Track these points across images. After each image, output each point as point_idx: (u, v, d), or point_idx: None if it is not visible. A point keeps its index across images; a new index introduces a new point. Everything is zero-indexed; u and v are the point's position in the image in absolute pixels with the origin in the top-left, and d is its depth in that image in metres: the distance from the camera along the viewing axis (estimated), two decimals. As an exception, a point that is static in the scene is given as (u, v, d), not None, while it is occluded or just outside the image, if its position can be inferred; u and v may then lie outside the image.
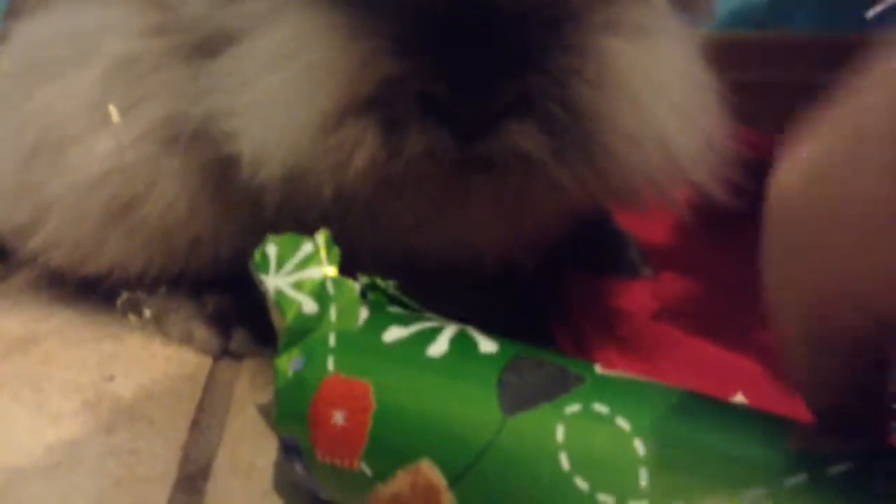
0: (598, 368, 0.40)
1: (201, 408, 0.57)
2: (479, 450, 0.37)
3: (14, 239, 0.66)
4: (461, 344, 0.42)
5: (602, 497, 0.34)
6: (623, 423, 0.36)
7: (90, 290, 0.67)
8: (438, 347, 0.41)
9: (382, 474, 0.39)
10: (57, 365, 0.63)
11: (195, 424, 0.56)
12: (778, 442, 0.34)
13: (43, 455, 0.53)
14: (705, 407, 0.37)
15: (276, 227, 0.47)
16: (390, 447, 0.40)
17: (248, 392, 0.59)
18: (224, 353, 0.64)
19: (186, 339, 0.65)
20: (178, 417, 0.56)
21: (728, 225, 0.79)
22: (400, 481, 0.39)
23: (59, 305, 0.70)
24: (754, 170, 0.75)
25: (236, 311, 0.64)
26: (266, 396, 0.57)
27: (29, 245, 0.64)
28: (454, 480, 0.37)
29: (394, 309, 0.46)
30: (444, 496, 0.38)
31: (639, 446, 0.35)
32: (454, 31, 0.45)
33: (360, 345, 0.43)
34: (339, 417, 0.41)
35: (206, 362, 0.63)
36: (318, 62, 0.47)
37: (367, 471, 0.40)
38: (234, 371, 0.62)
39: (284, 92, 0.47)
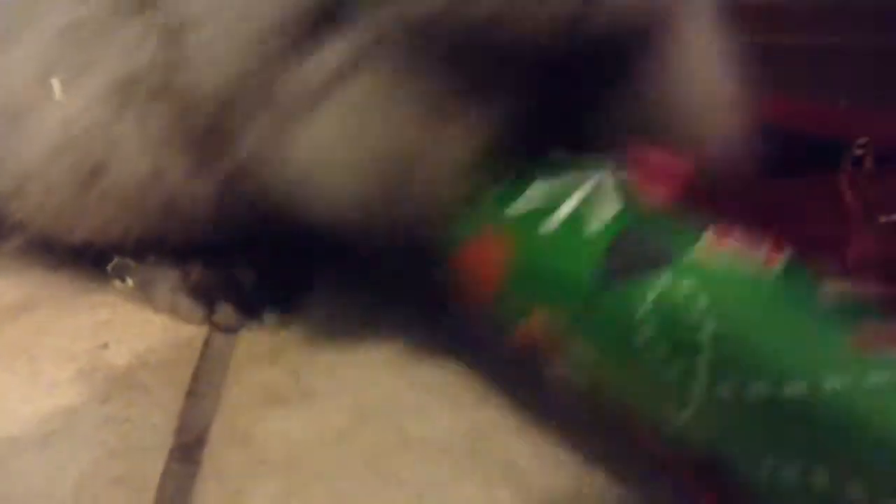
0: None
1: (197, 376, 0.57)
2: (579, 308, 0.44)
3: None
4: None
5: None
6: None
7: (82, 258, 0.66)
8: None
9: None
10: (50, 333, 0.62)
11: (191, 393, 0.55)
12: None
13: (37, 425, 0.52)
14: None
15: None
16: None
17: (244, 360, 0.58)
18: (210, 325, 0.63)
19: (171, 310, 0.64)
20: (174, 386, 0.55)
21: (746, 191, 0.78)
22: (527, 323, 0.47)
23: (51, 273, 0.69)
24: (781, 136, 0.75)
25: (221, 283, 0.63)
26: (262, 365, 0.56)
27: (13, 213, 0.64)
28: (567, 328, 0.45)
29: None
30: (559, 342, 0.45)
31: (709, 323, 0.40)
32: None
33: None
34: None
35: (203, 330, 0.62)
36: None
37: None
38: (231, 339, 0.61)
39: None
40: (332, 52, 0.50)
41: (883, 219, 0.61)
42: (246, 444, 0.50)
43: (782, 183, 0.74)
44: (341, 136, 0.50)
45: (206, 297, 0.63)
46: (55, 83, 0.60)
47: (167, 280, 0.65)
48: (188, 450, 0.50)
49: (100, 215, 0.61)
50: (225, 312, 0.62)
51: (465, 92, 0.49)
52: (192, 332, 0.62)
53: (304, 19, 0.51)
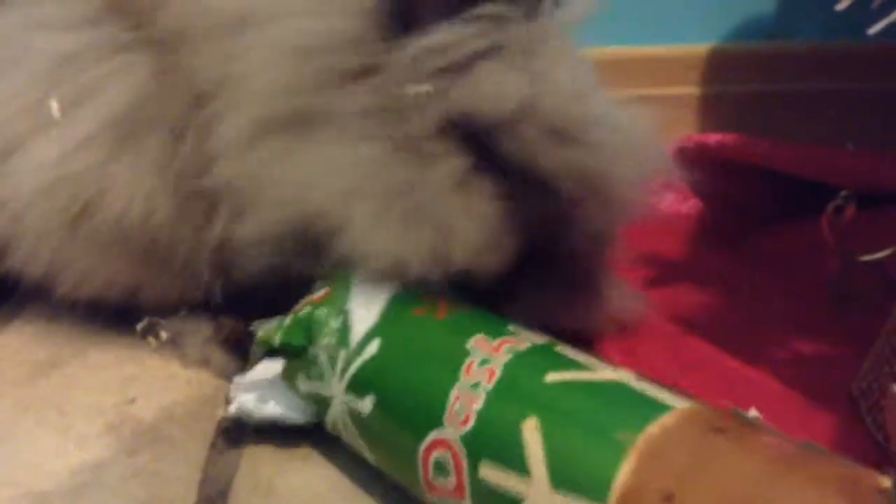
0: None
1: (220, 428, 0.58)
2: None
3: None
4: None
5: None
6: None
7: (109, 314, 0.68)
8: None
9: None
10: (79, 388, 0.64)
11: (214, 446, 0.57)
12: None
13: (68, 477, 0.54)
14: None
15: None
16: None
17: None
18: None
19: (204, 363, 0.65)
20: (198, 439, 0.57)
21: (742, 236, 0.80)
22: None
23: (78, 330, 0.71)
24: (763, 180, 0.77)
25: (252, 335, 0.65)
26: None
27: (7, 261, 0.64)
28: None
29: None
30: None
31: None
32: None
33: None
34: None
35: (225, 383, 0.63)
36: None
37: None
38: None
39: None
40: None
41: (864, 258, 0.64)
42: (268, 496, 0.52)
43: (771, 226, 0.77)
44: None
45: (238, 347, 0.65)
46: (53, 104, 0.59)
47: (199, 333, 0.66)
48: (213, 501, 0.52)
49: (87, 259, 0.62)
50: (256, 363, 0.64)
51: None
52: (215, 387, 0.63)
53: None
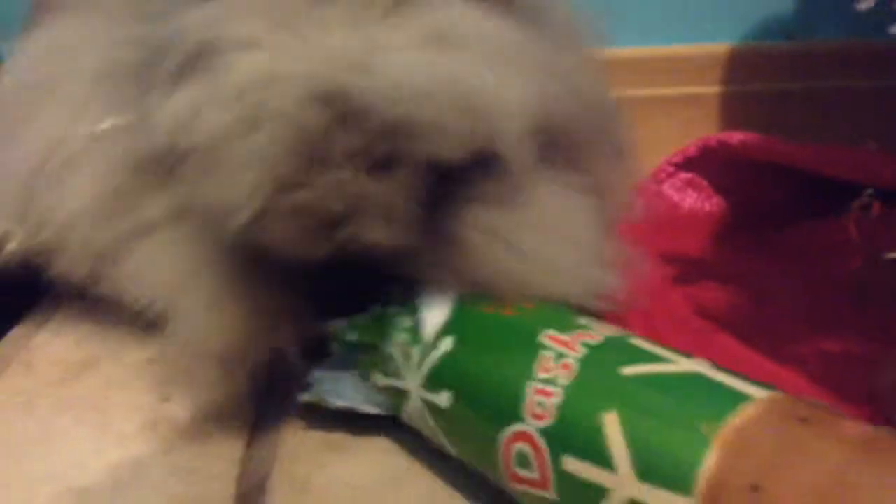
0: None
1: (256, 425, 0.59)
2: None
3: (39, 261, 0.65)
4: None
5: None
6: None
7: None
8: None
9: None
10: (116, 387, 0.65)
11: (251, 442, 0.58)
12: None
13: (108, 474, 0.55)
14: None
15: None
16: None
17: (301, 408, 0.60)
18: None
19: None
20: (234, 435, 0.58)
21: (765, 233, 0.80)
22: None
23: (113, 329, 0.72)
24: (786, 179, 0.77)
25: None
26: (319, 413, 0.59)
27: (52, 269, 0.65)
28: None
29: None
30: None
31: None
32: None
33: None
34: None
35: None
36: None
37: None
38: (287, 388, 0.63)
39: None
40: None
41: (889, 255, 0.64)
42: (305, 491, 0.53)
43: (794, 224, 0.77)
44: None
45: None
46: (103, 117, 0.61)
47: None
48: (250, 497, 0.53)
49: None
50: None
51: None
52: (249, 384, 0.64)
53: None
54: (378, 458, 0.55)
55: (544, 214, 0.54)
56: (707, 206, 0.85)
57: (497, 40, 0.50)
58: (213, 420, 0.60)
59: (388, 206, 0.49)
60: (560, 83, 0.54)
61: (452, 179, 0.51)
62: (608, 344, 0.46)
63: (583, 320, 0.50)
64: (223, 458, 0.56)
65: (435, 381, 0.51)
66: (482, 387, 0.48)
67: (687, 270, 0.75)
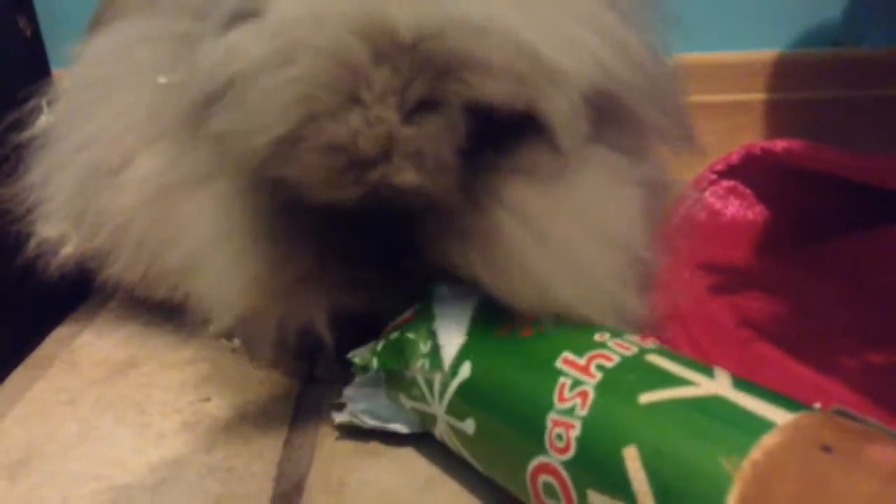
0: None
1: (293, 427, 0.60)
2: None
3: (93, 264, 0.66)
4: None
5: None
6: None
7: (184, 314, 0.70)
8: None
9: None
10: (157, 387, 0.66)
11: (288, 443, 0.58)
12: None
13: (148, 473, 0.56)
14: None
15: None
16: None
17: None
18: (310, 379, 0.66)
19: (275, 365, 0.67)
20: (272, 437, 0.59)
21: (809, 243, 0.79)
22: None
23: (155, 329, 0.74)
24: (831, 188, 0.76)
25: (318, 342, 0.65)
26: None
27: (106, 271, 0.65)
28: None
29: None
30: None
31: None
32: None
33: None
34: None
35: (297, 383, 0.65)
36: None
37: None
38: (324, 392, 0.64)
39: None
40: None
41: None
42: (340, 492, 0.53)
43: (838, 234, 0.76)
44: None
45: (307, 351, 0.65)
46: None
47: (269, 339, 0.67)
48: (287, 497, 0.53)
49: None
50: (324, 367, 0.65)
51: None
52: (287, 386, 0.65)
53: None
54: (409, 463, 0.55)
55: (585, 202, 0.51)
56: (750, 215, 0.84)
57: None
58: (251, 421, 0.60)
59: (422, 150, 0.47)
60: (625, 55, 0.51)
61: (494, 140, 0.49)
62: (624, 365, 0.45)
63: (597, 336, 0.48)
64: (262, 458, 0.57)
65: (457, 408, 0.50)
66: (504, 416, 0.47)
67: (729, 279, 0.74)
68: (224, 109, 0.49)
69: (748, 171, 0.82)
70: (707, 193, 0.83)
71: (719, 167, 0.83)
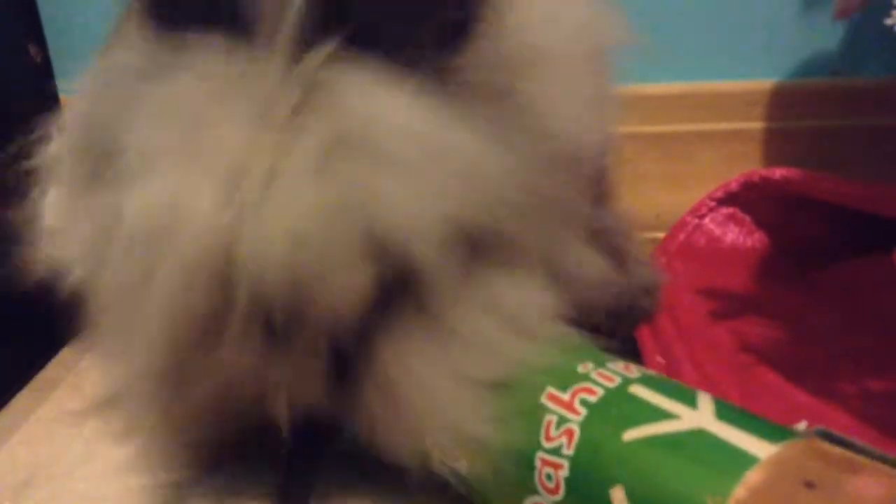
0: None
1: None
2: None
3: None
4: None
5: None
6: None
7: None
8: None
9: None
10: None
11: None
12: None
13: (149, 497, 0.56)
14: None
15: None
16: None
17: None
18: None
19: None
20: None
21: (808, 269, 0.80)
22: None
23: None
24: (829, 215, 0.77)
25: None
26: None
27: None
28: None
29: None
30: None
31: None
32: None
33: None
34: None
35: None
36: None
37: None
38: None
39: None
40: None
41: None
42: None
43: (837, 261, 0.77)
44: None
45: None
46: None
47: None
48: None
49: None
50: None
51: None
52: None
53: None
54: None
55: (467, 340, 0.49)
56: (749, 242, 0.85)
57: (415, 137, 0.43)
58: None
59: (296, 377, 0.46)
60: (500, 176, 0.46)
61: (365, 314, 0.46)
62: (608, 399, 0.45)
63: (580, 367, 0.48)
64: (263, 481, 0.56)
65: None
66: (494, 455, 0.47)
67: (729, 305, 0.75)
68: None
69: (747, 199, 0.83)
70: (706, 220, 0.84)
71: (718, 194, 0.84)
